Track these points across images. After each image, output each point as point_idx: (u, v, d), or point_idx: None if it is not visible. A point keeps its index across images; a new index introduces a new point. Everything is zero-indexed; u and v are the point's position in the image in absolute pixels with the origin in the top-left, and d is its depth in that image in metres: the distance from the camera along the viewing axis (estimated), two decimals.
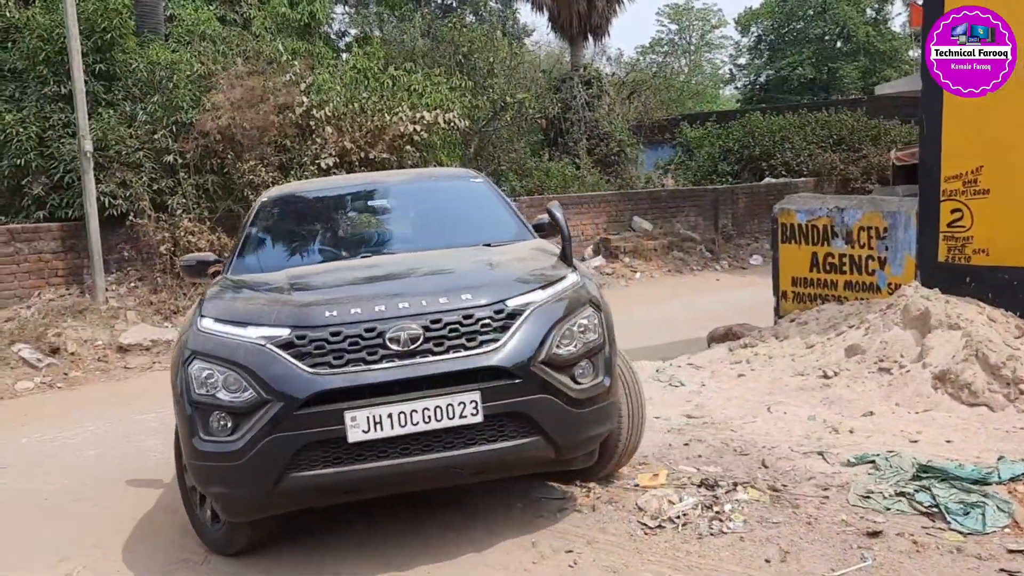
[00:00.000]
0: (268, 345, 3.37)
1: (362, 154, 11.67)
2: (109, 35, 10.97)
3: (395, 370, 3.31)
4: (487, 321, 3.45)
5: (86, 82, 10.09)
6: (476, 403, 3.31)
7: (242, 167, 10.53)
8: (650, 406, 5.97)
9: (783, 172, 18.98)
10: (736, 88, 45.50)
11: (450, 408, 3.28)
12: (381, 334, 3.35)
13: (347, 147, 11.48)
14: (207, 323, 3.62)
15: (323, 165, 11.17)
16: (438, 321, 3.40)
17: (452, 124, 12.35)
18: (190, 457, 3.53)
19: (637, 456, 4.62)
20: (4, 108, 10.11)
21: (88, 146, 9.59)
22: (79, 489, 5.21)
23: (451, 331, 3.40)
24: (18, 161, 9.99)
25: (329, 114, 11.41)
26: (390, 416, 3.25)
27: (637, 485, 4.39)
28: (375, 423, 3.24)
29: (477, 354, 3.37)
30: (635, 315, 10.85)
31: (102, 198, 10.05)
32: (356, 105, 11.83)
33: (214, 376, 3.38)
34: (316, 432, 3.26)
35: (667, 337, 9.26)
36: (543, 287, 3.66)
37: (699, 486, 4.35)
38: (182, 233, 10.12)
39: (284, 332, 3.40)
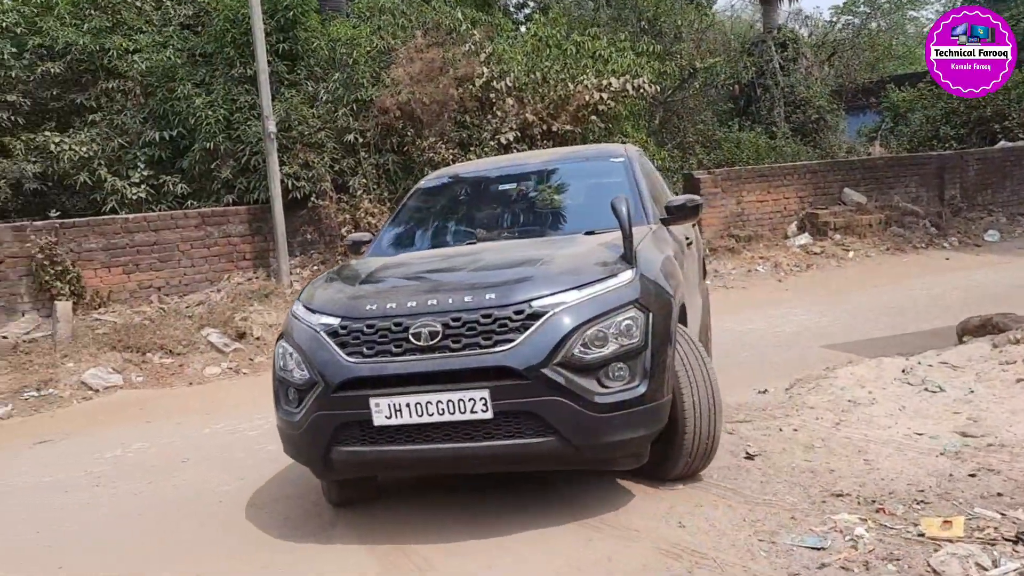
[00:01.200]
0: (321, 332, 3.73)
1: (544, 127, 10.92)
2: (292, 13, 10.79)
3: (415, 363, 3.52)
4: (505, 321, 3.50)
5: (269, 62, 9.95)
6: (486, 400, 3.43)
7: (421, 144, 10.04)
8: (905, 417, 4.87)
9: (1021, 134, 16.40)
10: None
11: (461, 403, 3.45)
12: (406, 328, 3.56)
13: (528, 119, 10.75)
14: (296, 308, 4.04)
15: (503, 140, 10.51)
16: (458, 319, 3.53)
17: (641, 91, 11.30)
18: (278, 425, 3.97)
19: (910, 490, 3.68)
20: (195, 92, 10.15)
21: (272, 127, 9.41)
22: (252, 491, 4.76)
23: (469, 329, 3.51)
24: (208, 144, 10.00)
25: (510, 84, 10.72)
26: (408, 405, 3.49)
27: (922, 535, 3.32)
28: (395, 410, 3.50)
29: (490, 353, 3.47)
30: (854, 301, 9.48)
31: (285, 180, 9.89)
32: (538, 74, 11.07)
33: (290, 356, 3.82)
34: (349, 414, 3.59)
35: (898, 327, 7.95)
36: (580, 287, 3.63)
37: (1015, 542, 3.20)
38: (362, 214, 9.79)
39: (335, 321, 3.73)
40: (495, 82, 10.70)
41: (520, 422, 3.47)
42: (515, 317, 3.50)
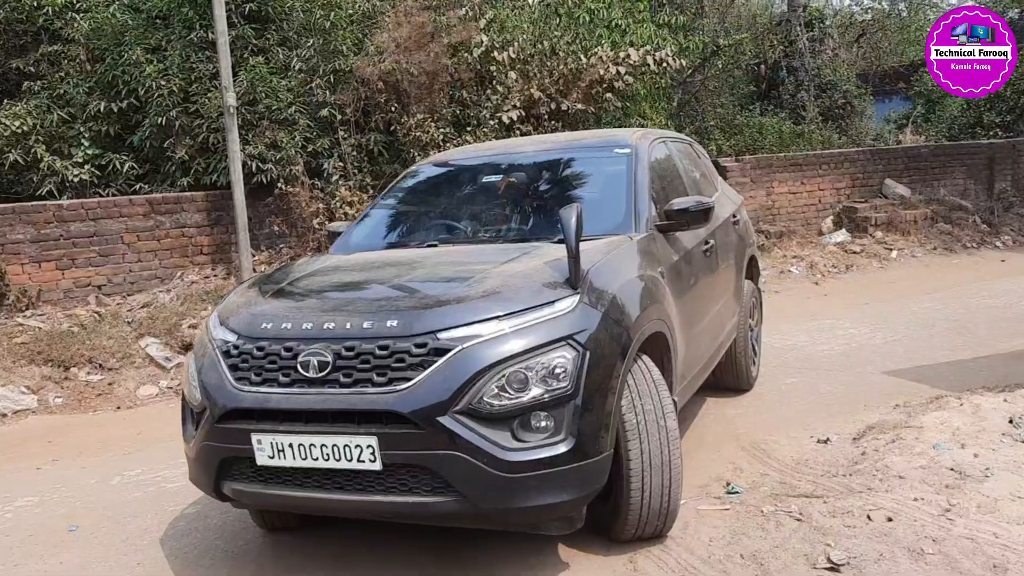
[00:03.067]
0: (217, 351, 3.31)
1: (552, 105, 9.50)
2: None
3: (300, 397, 3.04)
4: (403, 355, 2.96)
5: (234, 25, 8.55)
6: (373, 449, 2.92)
7: (408, 122, 8.63)
8: None
9: None
10: None
11: (347, 449, 2.95)
12: (296, 355, 3.09)
13: (534, 96, 9.33)
14: (211, 318, 3.59)
15: (505, 120, 9.10)
16: (351, 349, 3.03)
17: (664, 65, 9.86)
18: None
19: None
20: (146, 58, 8.71)
21: (231, 100, 8.01)
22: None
23: (362, 362, 3.00)
24: (160, 120, 8.60)
25: (513, 56, 9.29)
26: (291, 446, 3.02)
27: None
28: (278, 450, 3.04)
29: (380, 393, 2.94)
30: (907, 312, 8.17)
31: (249, 162, 8.49)
32: (546, 44, 9.64)
33: (190, 375, 3.42)
34: (232, 448, 3.16)
35: (968, 347, 6.73)
36: (503, 316, 3.04)
37: None
38: (338, 203, 8.40)
39: (232, 339, 3.30)
40: (496, 52, 9.28)
41: (415, 477, 2.95)
42: (415, 351, 2.95)
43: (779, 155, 12.30)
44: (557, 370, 2.97)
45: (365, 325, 3.07)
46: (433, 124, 8.63)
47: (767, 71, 16.98)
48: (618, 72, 9.57)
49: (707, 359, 4.67)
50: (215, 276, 8.40)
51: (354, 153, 8.95)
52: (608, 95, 9.71)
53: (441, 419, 2.86)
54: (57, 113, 8.70)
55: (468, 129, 9.16)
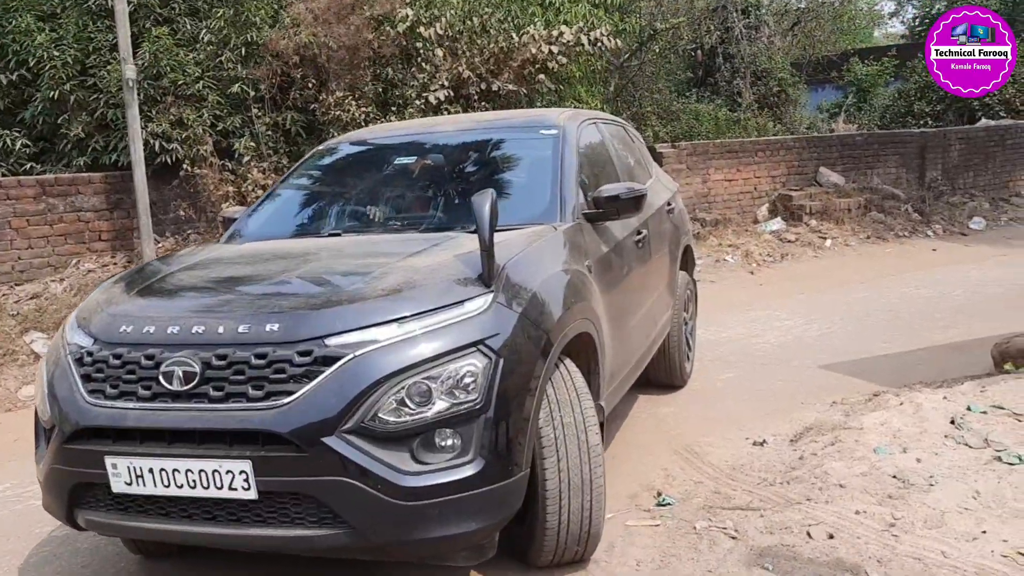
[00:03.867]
0: (69, 357, 2.86)
1: (482, 85, 9.07)
2: None
3: (162, 414, 2.59)
4: (284, 365, 2.52)
5: None
6: (247, 475, 2.48)
7: (327, 100, 8.08)
8: (990, 515, 3.24)
9: (1002, 112, 15.15)
10: (903, 23, 39.83)
11: (216, 475, 2.50)
12: (158, 364, 2.64)
13: (463, 76, 8.88)
14: (69, 317, 3.14)
15: (432, 100, 8.63)
16: (223, 357, 2.58)
17: (599, 44, 9.49)
18: None
19: None
20: (36, 27, 7.95)
21: (130, 72, 7.34)
22: None
23: (236, 373, 2.56)
24: (52, 94, 7.87)
25: (440, 32, 8.81)
26: (151, 471, 2.58)
27: None
28: (136, 475, 2.60)
29: (256, 410, 2.49)
30: (843, 302, 8.05)
31: (151, 140, 7.84)
32: (476, 21, 9.18)
33: (41, 384, 2.96)
34: (84, 472, 2.72)
35: (906, 340, 6.58)
36: (404, 318, 2.61)
37: None
38: (250, 186, 7.81)
39: (88, 343, 2.84)
40: (422, 28, 8.79)
41: (298, 507, 2.54)
42: (298, 360, 2.53)
43: (715, 141, 12.10)
44: (465, 380, 2.57)
45: (240, 329, 2.63)
46: (355, 103, 8.11)
47: (704, 57, 16.86)
48: (551, 52, 9.18)
49: (639, 358, 4.32)
50: (115, 264, 7.74)
51: (269, 133, 8.37)
52: (541, 76, 9.32)
53: (327, 440, 2.45)
54: None
55: (393, 109, 8.67)
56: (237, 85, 8.15)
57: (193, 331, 2.68)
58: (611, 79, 13.94)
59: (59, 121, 8.06)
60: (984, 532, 3.15)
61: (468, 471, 2.55)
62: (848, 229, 11.41)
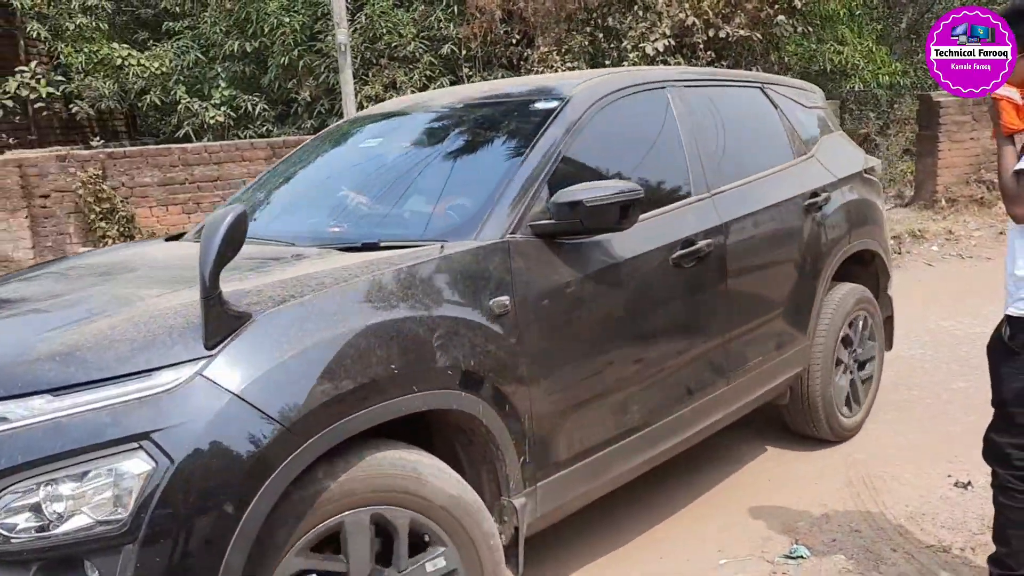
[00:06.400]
0: None
1: (710, 32, 8.13)
2: None
3: None
4: None
5: None
6: None
7: (532, 56, 7.72)
8: None
9: None
10: None
11: None
12: None
13: (687, 23, 8.02)
14: None
15: (649, 51, 7.91)
16: None
17: None
18: None
19: None
20: None
21: (342, 36, 7.52)
22: None
23: None
24: (283, 59, 8.34)
25: None
26: None
27: None
28: None
29: None
30: None
31: (366, 104, 8.05)
32: None
33: None
34: None
35: None
36: (57, 391, 1.85)
37: None
38: None
39: None
40: None
41: None
42: None
43: None
44: (116, 491, 1.83)
45: None
46: (560, 58, 7.65)
47: None
48: None
49: (676, 417, 3.11)
50: None
51: None
52: (780, 17, 8.14)
53: None
54: (195, 54, 8.72)
55: (607, 63, 8.08)
56: (447, 45, 8.05)
57: None
58: (903, 13, 12.01)
59: (289, 85, 8.55)
60: None
61: None
62: None
